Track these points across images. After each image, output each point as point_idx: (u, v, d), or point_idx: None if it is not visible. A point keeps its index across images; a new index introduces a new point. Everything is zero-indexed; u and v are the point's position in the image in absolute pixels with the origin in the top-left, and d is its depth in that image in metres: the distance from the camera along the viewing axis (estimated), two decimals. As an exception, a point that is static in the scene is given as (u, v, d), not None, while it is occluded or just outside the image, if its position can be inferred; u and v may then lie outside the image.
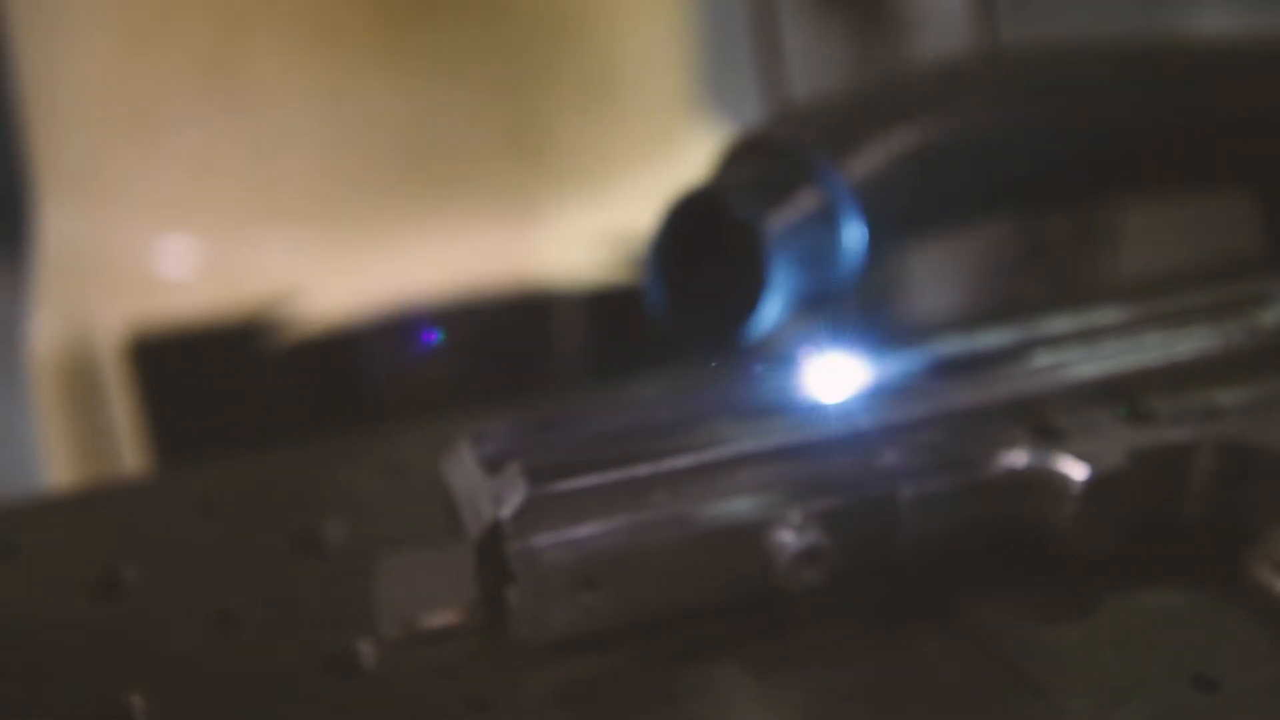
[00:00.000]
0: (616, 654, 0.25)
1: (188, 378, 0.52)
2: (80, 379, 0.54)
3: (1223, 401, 0.27)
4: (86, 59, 0.53)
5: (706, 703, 0.24)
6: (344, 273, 0.51)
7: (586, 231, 0.54)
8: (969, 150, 0.33)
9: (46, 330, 0.54)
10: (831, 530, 0.24)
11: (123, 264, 0.53)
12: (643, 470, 0.24)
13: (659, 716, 0.23)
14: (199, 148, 0.52)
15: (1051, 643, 0.25)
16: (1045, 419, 0.26)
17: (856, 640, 0.25)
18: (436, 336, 0.51)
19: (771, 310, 0.28)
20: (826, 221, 0.30)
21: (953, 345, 0.28)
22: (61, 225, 0.57)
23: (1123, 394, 0.27)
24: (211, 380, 0.52)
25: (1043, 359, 0.28)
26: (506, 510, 0.23)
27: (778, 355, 0.28)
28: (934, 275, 0.69)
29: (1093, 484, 0.25)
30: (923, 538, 0.25)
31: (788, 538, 0.24)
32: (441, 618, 0.25)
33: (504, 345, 0.52)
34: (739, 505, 0.24)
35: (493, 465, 0.25)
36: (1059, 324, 0.29)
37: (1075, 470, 0.25)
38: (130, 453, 0.53)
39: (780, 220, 0.29)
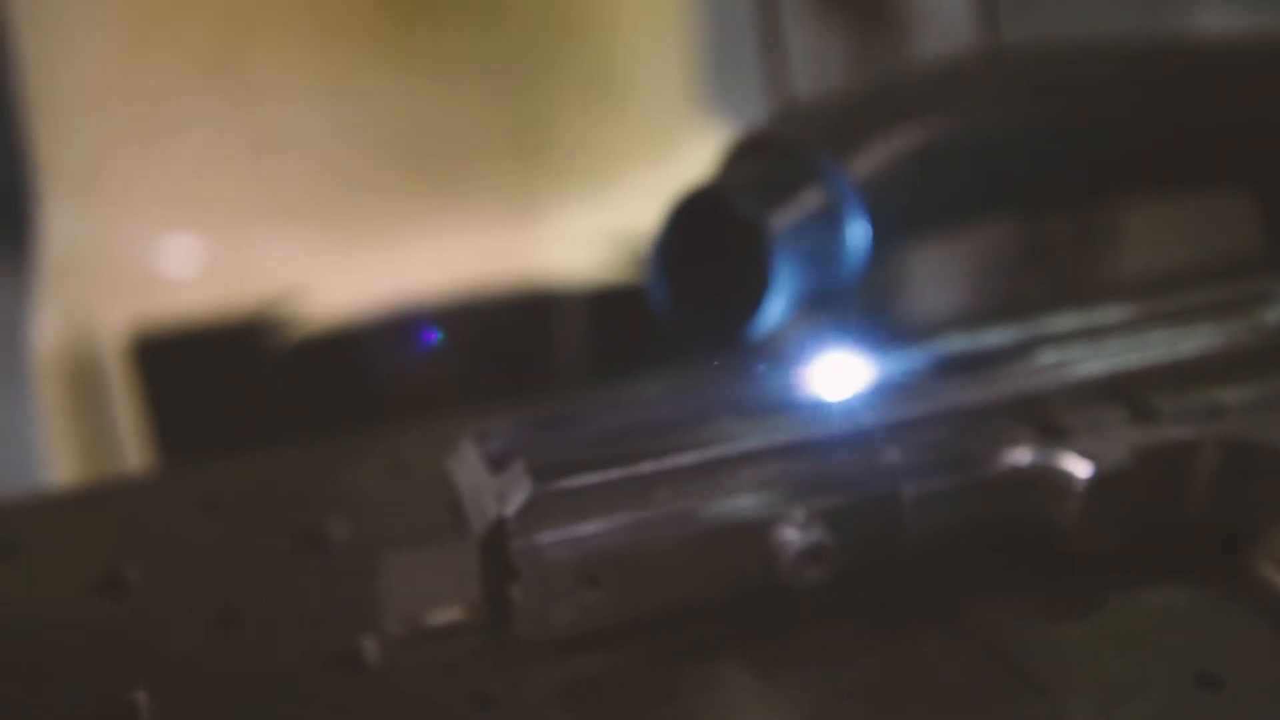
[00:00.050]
0: (619, 652, 0.25)
1: (190, 376, 0.52)
2: (83, 378, 0.54)
3: (1226, 400, 0.27)
4: (88, 58, 0.53)
5: (708, 701, 0.24)
6: (347, 272, 0.51)
7: (589, 231, 0.54)
8: (971, 149, 0.34)
9: (49, 329, 0.54)
10: (834, 528, 0.24)
11: (125, 263, 0.53)
12: (646, 468, 0.24)
13: (661, 715, 0.23)
14: (201, 147, 0.52)
15: (1054, 641, 0.25)
16: (1049, 417, 0.26)
17: (858, 639, 0.25)
18: (439, 336, 0.51)
19: (775, 309, 0.28)
20: (830, 220, 0.30)
21: (956, 343, 0.28)
22: (64, 224, 0.57)
23: (1126, 392, 0.27)
24: (214, 379, 0.52)
25: (1046, 357, 0.28)
26: (511, 508, 0.23)
27: (781, 354, 0.28)
28: (935, 275, 0.69)
29: (1096, 482, 0.25)
30: (925, 536, 0.25)
31: (791, 536, 0.24)
32: (445, 615, 0.25)
33: (506, 344, 0.52)
34: (742, 503, 0.24)
35: (497, 463, 0.25)
36: (1062, 322, 0.29)
37: (1079, 468, 0.25)
38: (133, 451, 0.53)
39: (784, 219, 0.29)
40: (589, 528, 0.24)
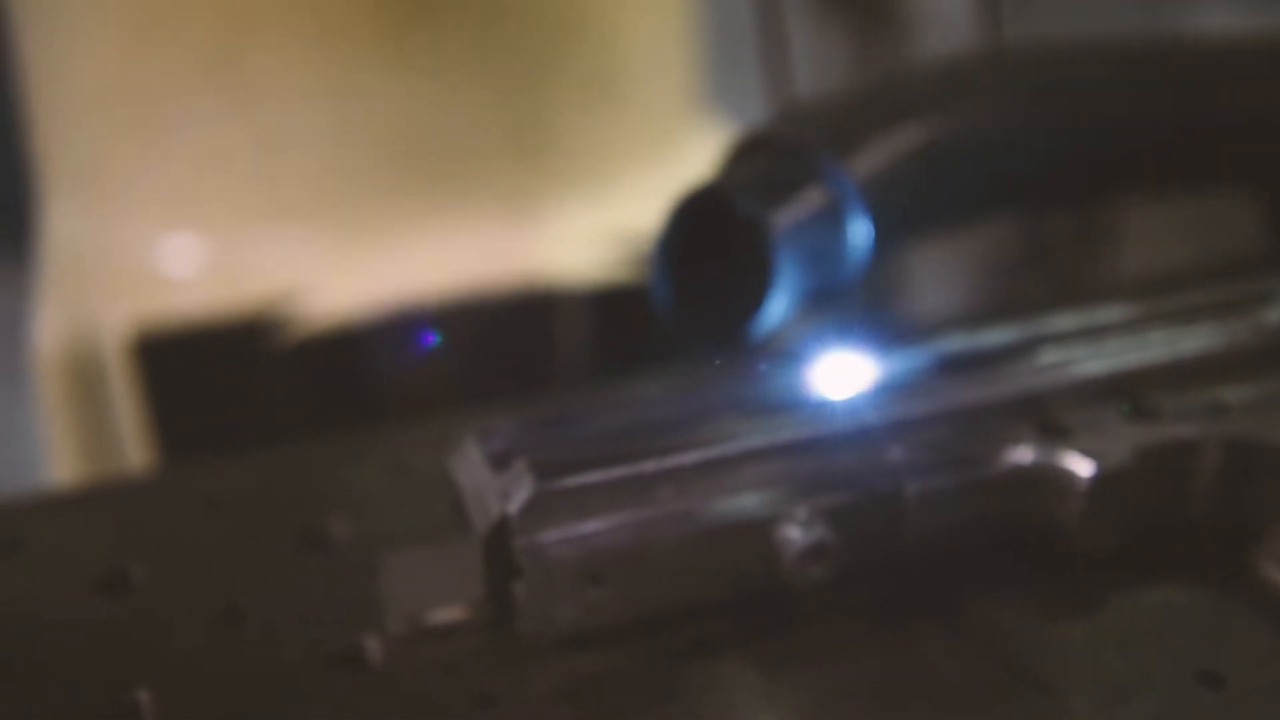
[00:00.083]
0: (622, 650, 0.25)
1: (191, 376, 0.52)
2: (84, 377, 0.54)
3: (1228, 399, 0.27)
4: (89, 58, 0.53)
5: (711, 700, 0.24)
6: (347, 271, 0.52)
7: (589, 230, 0.54)
8: (972, 149, 0.34)
9: (51, 328, 0.54)
10: (837, 527, 0.24)
11: (126, 262, 0.53)
12: (649, 466, 0.24)
13: (663, 713, 0.23)
14: (202, 146, 0.52)
15: (1056, 640, 0.25)
16: (1050, 416, 0.26)
17: (860, 637, 0.25)
18: (439, 335, 0.51)
19: (777, 308, 0.28)
20: (832, 219, 0.30)
21: (958, 342, 0.28)
22: (65, 224, 0.57)
23: (1128, 391, 0.27)
24: (215, 378, 0.52)
25: (1048, 356, 0.28)
26: (514, 505, 0.23)
27: (783, 353, 0.28)
28: (935, 275, 0.69)
29: (1098, 481, 0.25)
30: (928, 534, 0.25)
31: (794, 534, 0.24)
32: (448, 614, 0.25)
33: (507, 344, 0.52)
34: (745, 501, 0.24)
35: (500, 461, 0.25)
36: (1064, 321, 0.29)
37: (1081, 467, 0.25)
38: (134, 450, 0.53)
39: (786, 217, 0.29)
40: (592, 526, 0.24)
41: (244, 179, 0.52)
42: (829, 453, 0.25)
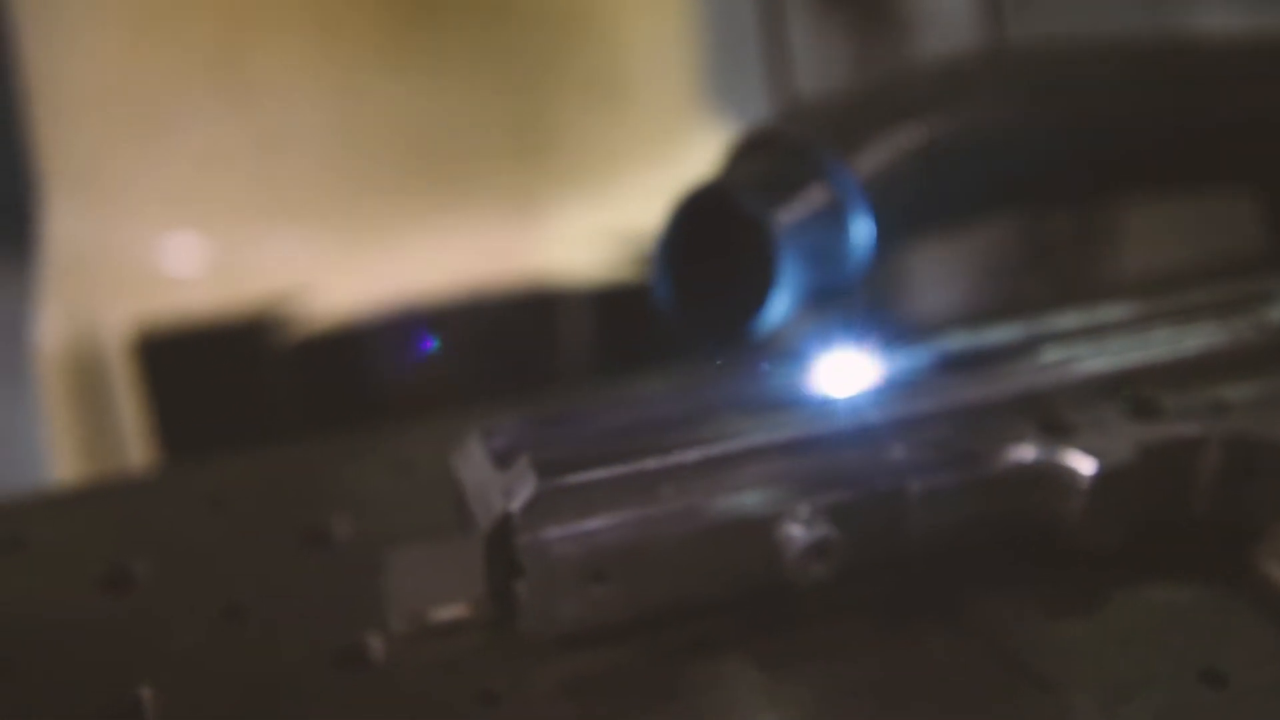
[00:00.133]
0: (624, 648, 0.25)
1: (193, 375, 0.52)
2: (86, 376, 0.54)
3: (1230, 397, 0.27)
4: (90, 57, 0.53)
5: (712, 698, 0.24)
6: (349, 270, 0.52)
7: (591, 230, 0.54)
8: (973, 148, 0.34)
9: (52, 328, 0.54)
10: (839, 524, 0.24)
11: (128, 262, 0.53)
12: (652, 464, 0.24)
13: (665, 711, 0.23)
14: (204, 145, 0.52)
15: (1058, 638, 0.25)
16: (1053, 414, 0.26)
17: (862, 636, 0.25)
18: (441, 334, 0.51)
19: (779, 306, 0.28)
20: (834, 218, 0.30)
21: (960, 341, 0.28)
22: (67, 223, 0.57)
23: (1130, 390, 0.27)
24: (217, 377, 0.52)
25: (1050, 354, 0.28)
26: (516, 503, 0.23)
27: (785, 351, 0.28)
28: (936, 275, 0.69)
29: (1101, 479, 0.25)
30: (930, 532, 0.25)
31: (796, 531, 0.24)
32: (450, 611, 0.25)
33: (509, 343, 0.52)
34: (747, 499, 0.24)
35: (502, 459, 0.25)
36: (1066, 320, 0.29)
37: (1083, 465, 0.25)
38: (136, 449, 0.53)
39: (788, 216, 0.29)
40: (594, 523, 0.24)
41: (245, 178, 0.52)
42: (831, 451, 0.25)
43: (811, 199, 0.29)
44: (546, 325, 0.52)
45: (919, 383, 0.27)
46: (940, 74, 0.37)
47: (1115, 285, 0.59)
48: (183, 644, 0.26)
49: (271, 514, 0.31)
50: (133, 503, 0.32)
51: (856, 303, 0.31)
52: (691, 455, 0.25)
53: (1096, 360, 0.27)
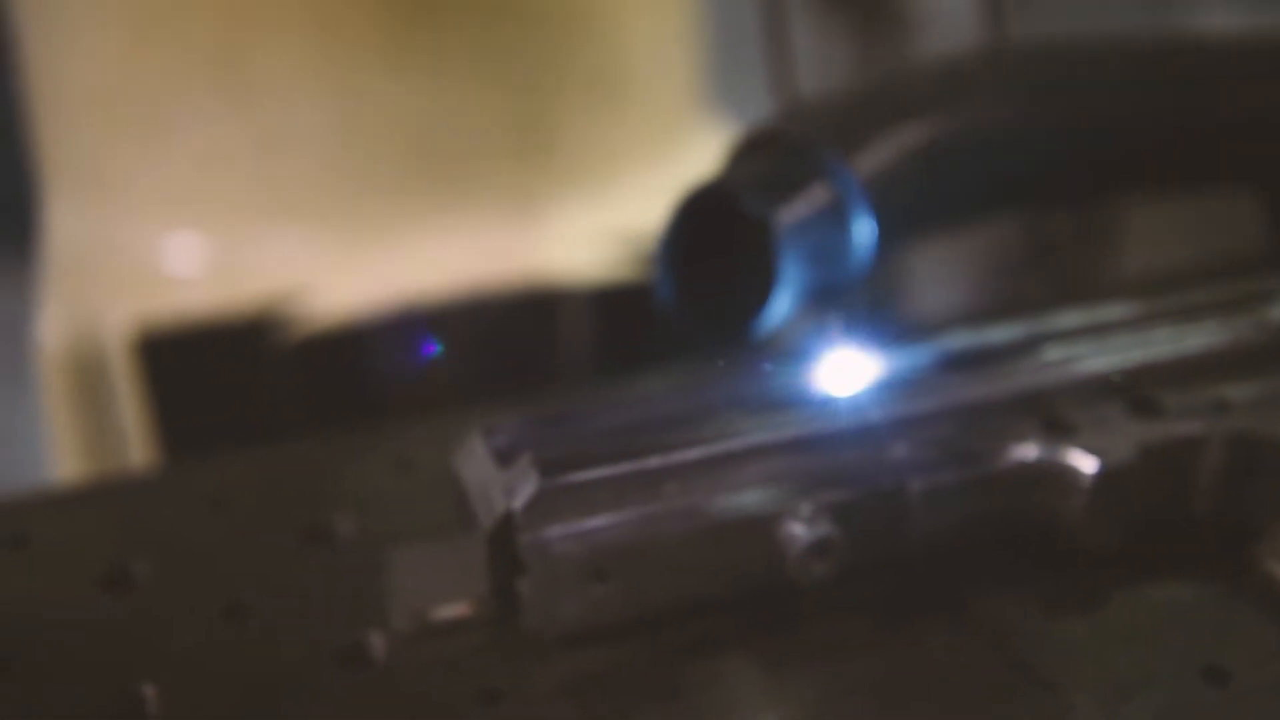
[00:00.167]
0: (625, 647, 0.25)
1: (194, 374, 0.52)
2: (88, 375, 0.54)
3: (1231, 396, 0.27)
4: (92, 57, 0.53)
5: (713, 697, 0.24)
6: (350, 270, 0.52)
7: (592, 230, 0.54)
8: (974, 148, 0.34)
9: (54, 327, 0.54)
10: (841, 523, 0.24)
11: (129, 261, 0.53)
12: (653, 463, 0.24)
13: (666, 710, 0.23)
14: (205, 145, 0.52)
15: (1059, 637, 0.25)
16: (1054, 413, 0.26)
17: (864, 634, 0.25)
18: (442, 334, 0.51)
19: (781, 305, 0.28)
20: (836, 217, 0.30)
21: (962, 340, 0.28)
22: (68, 223, 0.57)
23: (1131, 389, 0.27)
24: (218, 377, 0.52)
25: (1052, 353, 0.28)
26: (518, 502, 0.23)
27: (787, 350, 0.28)
28: (937, 275, 0.69)
29: (1102, 477, 0.25)
30: (931, 531, 0.25)
31: (798, 530, 0.24)
32: (452, 610, 0.25)
33: (510, 343, 0.52)
34: (749, 498, 0.24)
35: (504, 458, 0.25)
36: (1068, 319, 0.29)
37: (1085, 464, 0.25)
38: (137, 448, 0.53)
39: (790, 215, 0.29)
40: (596, 522, 0.24)
41: (246, 178, 0.52)
42: (833, 450, 0.25)
43: (813, 198, 0.29)
44: (546, 325, 0.52)
45: (920, 382, 0.27)
46: (941, 74, 0.37)
47: (1116, 285, 0.59)
48: (183, 643, 0.26)
49: (272, 513, 0.31)
50: (133, 502, 0.32)
51: (858, 302, 0.31)
52: (693, 454, 0.25)
53: (1098, 359, 0.27)
